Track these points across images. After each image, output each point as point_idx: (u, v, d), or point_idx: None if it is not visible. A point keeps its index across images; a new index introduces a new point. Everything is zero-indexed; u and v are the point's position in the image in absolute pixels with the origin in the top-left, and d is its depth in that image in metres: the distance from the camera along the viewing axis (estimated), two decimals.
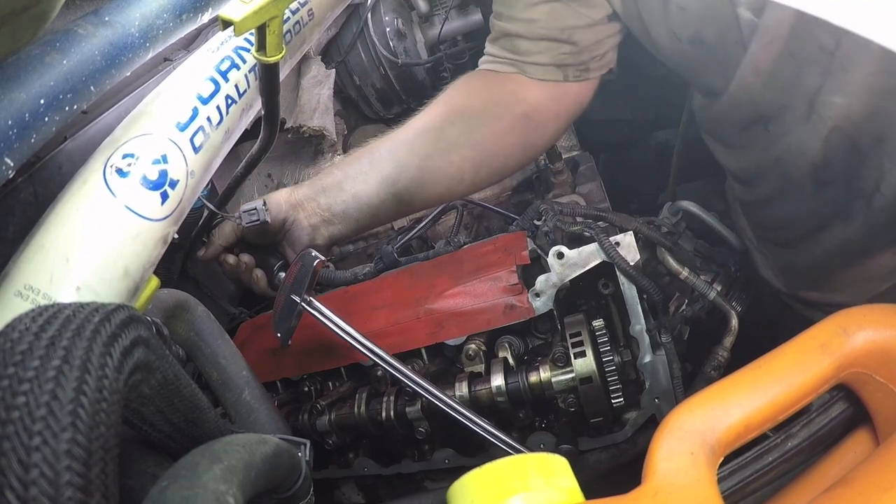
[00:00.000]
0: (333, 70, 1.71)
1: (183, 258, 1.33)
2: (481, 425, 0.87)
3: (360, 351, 0.92)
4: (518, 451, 0.82)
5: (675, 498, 0.44)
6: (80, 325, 0.40)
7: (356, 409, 1.03)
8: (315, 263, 0.93)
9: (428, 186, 1.17)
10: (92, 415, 0.36)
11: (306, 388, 1.14)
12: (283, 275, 1.07)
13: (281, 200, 1.13)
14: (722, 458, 0.50)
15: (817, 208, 1.02)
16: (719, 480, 0.50)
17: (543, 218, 1.07)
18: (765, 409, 0.51)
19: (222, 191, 1.16)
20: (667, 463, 0.46)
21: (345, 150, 1.79)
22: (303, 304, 0.92)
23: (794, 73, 0.90)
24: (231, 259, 1.18)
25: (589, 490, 0.46)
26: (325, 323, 0.92)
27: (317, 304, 0.93)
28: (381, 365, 0.92)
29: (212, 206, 1.12)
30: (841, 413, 0.58)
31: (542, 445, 0.98)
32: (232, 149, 0.92)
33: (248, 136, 1.00)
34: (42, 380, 0.36)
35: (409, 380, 0.89)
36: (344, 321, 0.93)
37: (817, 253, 1.06)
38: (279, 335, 0.93)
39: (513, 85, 1.20)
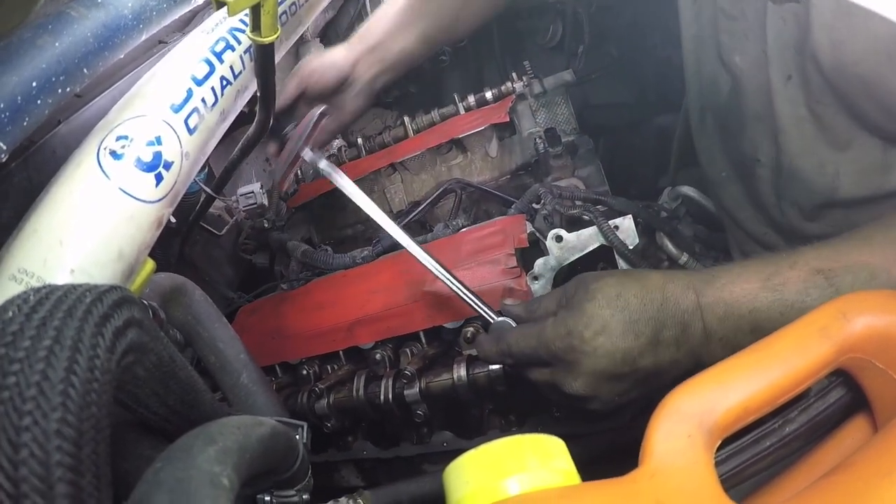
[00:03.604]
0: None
1: (180, 243, 1.33)
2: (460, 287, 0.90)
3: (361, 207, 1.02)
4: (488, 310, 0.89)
5: (672, 480, 0.44)
6: (71, 306, 0.40)
7: (354, 392, 1.03)
8: (318, 115, 1.04)
9: (455, 32, 1.37)
10: (82, 395, 0.36)
11: (305, 372, 1.14)
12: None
13: (339, 60, 1.24)
14: (719, 442, 0.50)
15: (726, 160, 1.14)
16: (716, 464, 0.50)
17: (542, 201, 1.06)
18: (763, 393, 0.51)
19: (219, 174, 1.15)
20: (664, 445, 0.46)
21: (343, 135, 1.78)
22: (300, 152, 1.02)
23: (704, 28, 1.05)
24: None
25: (586, 472, 0.45)
26: (331, 175, 1.04)
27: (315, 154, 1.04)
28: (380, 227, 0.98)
29: (209, 190, 1.12)
30: (839, 399, 0.58)
31: (539, 427, 0.98)
32: (229, 133, 0.91)
33: (245, 120, 0.99)
34: (33, 360, 0.36)
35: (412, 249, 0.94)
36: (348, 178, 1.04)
37: (730, 202, 1.17)
38: (277, 178, 1.03)
39: None
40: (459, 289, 0.90)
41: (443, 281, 0.91)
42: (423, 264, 0.92)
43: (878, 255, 0.69)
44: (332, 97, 1.24)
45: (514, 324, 0.86)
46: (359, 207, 1.46)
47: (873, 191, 0.88)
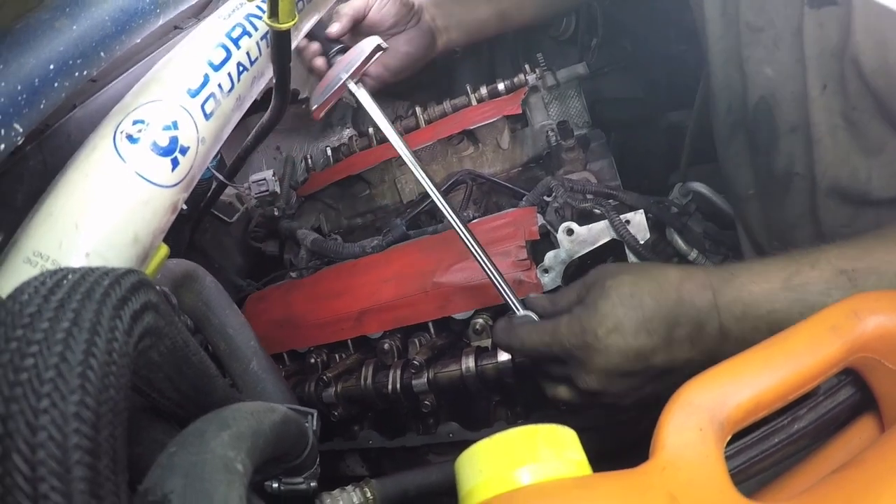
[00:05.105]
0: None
1: (191, 230, 1.33)
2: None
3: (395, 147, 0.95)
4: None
5: (683, 473, 0.44)
6: (89, 288, 0.40)
7: (362, 381, 1.04)
8: (374, 48, 0.96)
9: (525, 8, 1.42)
10: (101, 377, 0.36)
11: (313, 360, 1.15)
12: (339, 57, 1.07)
13: None
14: (730, 436, 0.50)
15: (753, 178, 1.11)
16: (726, 459, 0.50)
17: (554, 194, 1.06)
18: (774, 389, 0.51)
19: (231, 161, 1.15)
20: (675, 438, 0.46)
21: (354, 124, 1.78)
22: (347, 81, 0.95)
23: (731, 43, 1.03)
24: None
25: (595, 464, 0.46)
26: (363, 105, 0.97)
27: (363, 90, 0.97)
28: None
29: (221, 177, 1.12)
30: (848, 398, 0.58)
31: (545, 420, 0.98)
32: (242, 121, 0.91)
33: (257, 108, 0.99)
34: (51, 342, 0.36)
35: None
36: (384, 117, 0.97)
37: (757, 218, 1.15)
38: (314, 106, 0.96)
39: None
40: (492, 273, 0.88)
41: (478, 261, 0.88)
42: (464, 242, 0.89)
43: None
44: (389, 33, 1.22)
45: (536, 318, 0.85)
46: (370, 197, 1.46)
47: None
